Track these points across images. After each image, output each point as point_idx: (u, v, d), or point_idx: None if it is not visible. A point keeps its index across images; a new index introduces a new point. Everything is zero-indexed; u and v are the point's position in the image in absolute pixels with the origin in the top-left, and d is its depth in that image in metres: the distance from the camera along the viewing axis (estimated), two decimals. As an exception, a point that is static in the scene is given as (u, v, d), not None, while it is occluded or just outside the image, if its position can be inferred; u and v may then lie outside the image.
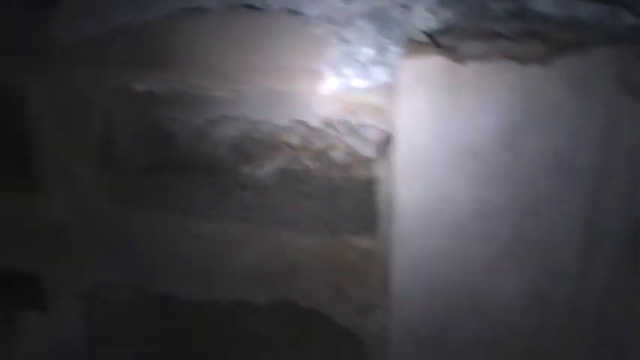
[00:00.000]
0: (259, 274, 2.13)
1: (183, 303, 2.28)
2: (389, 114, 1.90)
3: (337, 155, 2.11)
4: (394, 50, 1.89)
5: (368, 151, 2.08)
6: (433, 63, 1.82)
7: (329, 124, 1.99)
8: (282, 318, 2.18)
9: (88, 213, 2.24)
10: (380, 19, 1.89)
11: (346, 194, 2.10)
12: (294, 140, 2.13)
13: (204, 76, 2.00)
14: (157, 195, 2.21)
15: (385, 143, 1.95)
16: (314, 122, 2.03)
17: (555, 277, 1.93)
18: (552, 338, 2.01)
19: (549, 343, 2.02)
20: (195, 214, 2.16)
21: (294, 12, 1.98)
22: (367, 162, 2.06)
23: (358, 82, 1.92)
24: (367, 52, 1.91)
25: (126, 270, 2.28)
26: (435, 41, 1.86)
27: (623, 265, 1.92)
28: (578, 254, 1.91)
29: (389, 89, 1.89)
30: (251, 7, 2.04)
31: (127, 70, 2.06)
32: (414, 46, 1.86)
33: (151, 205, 2.20)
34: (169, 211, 2.19)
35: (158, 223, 2.20)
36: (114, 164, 2.19)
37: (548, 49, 1.80)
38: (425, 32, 1.90)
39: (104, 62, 2.07)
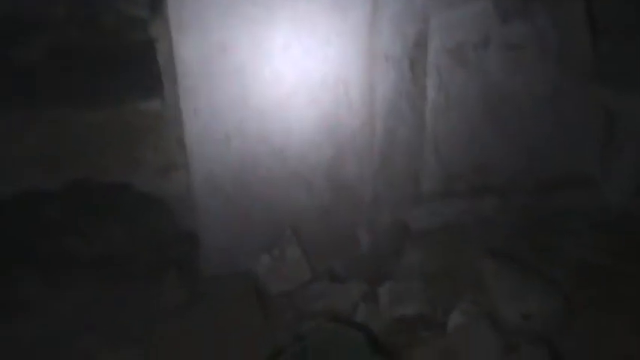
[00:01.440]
0: (45, 159, 1.99)
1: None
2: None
3: (108, 23, 1.99)
4: None
5: (140, 12, 1.97)
6: None
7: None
8: (80, 200, 2.07)
9: None
10: None
11: (126, 61, 1.99)
12: (59, 13, 1.98)
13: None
14: None
15: (155, 5, 1.86)
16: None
17: (345, 108, 1.95)
18: (350, 166, 2.07)
19: (348, 172, 2.08)
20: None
21: None
22: (141, 23, 1.96)
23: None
24: None
25: None
26: None
27: (405, 84, 1.96)
28: (362, 87, 1.97)
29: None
30: None
31: None
32: None
33: None
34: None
35: None
36: None
37: None
38: None
39: None
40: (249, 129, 1.97)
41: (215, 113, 1.95)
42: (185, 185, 2.04)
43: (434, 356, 1.71)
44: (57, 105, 2.01)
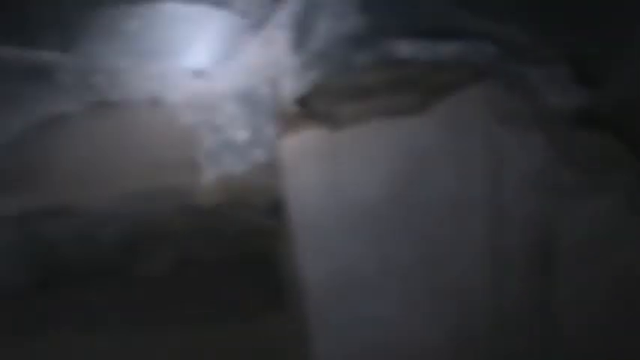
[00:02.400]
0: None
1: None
2: (276, 191, 1.82)
3: (231, 234, 2.02)
4: (269, 128, 1.80)
5: (262, 224, 2.00)
6: (310, 134, 1.75)
7: (218, 205, 1.89)
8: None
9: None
10: (249, 99, 1.80)
11: (247, 271, 2.01)
12: (183, 228, 2.02)
13: (75, 187, 1.86)
14: (46, 314, 2.06)
15: (278, 217, 1.88)
16: (200, 208, 1.90)
17: (472, 316, 1.91)
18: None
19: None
20: (89, 328, 2.01)
21: (157, 102, 1.87)
22: (263, 235, 1.98)
23: (238, 167, 1.81)
24: (242, 135, 1.81)
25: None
26: (307, 109, 1.79)
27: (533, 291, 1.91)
28: (487, 293, 1.89)
29: (271, 168, 1.80)
30: (110, 103, 1.91)
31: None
32: (288, 119, 1.78)
33: (41, 328, 2.04)
34: (60, 329, 2.04)
35: (48, 345, 2.03)
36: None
37: (420, 97, 1.78)
38: (295, 100, 1.82)
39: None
40: (376, 347, 1.93)
41: (339, 334, 1.91)
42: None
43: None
44: (180, 322, 2.01)
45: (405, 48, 1.91)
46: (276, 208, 1.92)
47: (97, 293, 2.08)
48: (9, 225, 1.96)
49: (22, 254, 2.08)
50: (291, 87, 1.84)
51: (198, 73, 1.85)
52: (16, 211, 1.87)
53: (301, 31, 1.84)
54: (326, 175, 1.79)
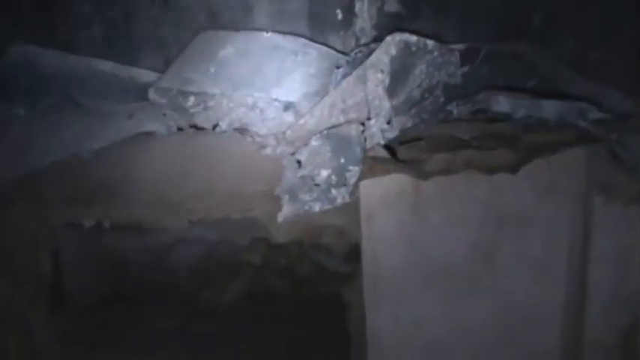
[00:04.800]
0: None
1: None
2: (353, 235, 1.76)
3: (303, 271, 1.99)
4: (353, 170, 1.75)
5: (335, 266, 1.96)
6: (395, 181, 1.70)
7: (292, 241, 1.85)
8: None
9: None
10: (335, 138, 1.76)
11: (315, 314, 1.97)
12: (256, 259, 2.00)
13: (156, 207, 1.85)
14: (113, 332, 2.05)
15: (352, 261, 1.82)
16: (275, 241, 1.90)
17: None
18: None
19: None
20: (154, 352, 1.99)
21: (243, 131, 1.85)
22: (335, 277, 1.93)
23: (317, 206, 1.76)
24: (324, 173, 1.76)
25: None
26: (395, 155, 1.73)
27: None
28: (572, 318, 1.78)
29: (351, 210, 1.74)
30: (199, 128, 1.91)
31: (75, 203, 1.90)
32: (374, 163, 1.72)
33: (107, 344, 2.03)
34: (126, 347, 2.02)
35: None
36: (65, 303, 2.03)
37: (515, 155, 1.70)
38: (384, 145, 1.76)
39: (50, 196, 1.90)
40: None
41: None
42: None
43: None
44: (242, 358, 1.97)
45: (504, 102, 1.82)
46: (351, 252, 1.86)
47: (162, 316, 2.07)
48: (85, 236, 1.97)
49: (96, 269, 2.10)
50: (380, 130, 1.78)
51: (288, 106, 1.82)
52: (93, 222, 1.87)
53: (398, 75, 1.78)
54: (407, 225, 1.73)
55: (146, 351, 2.02)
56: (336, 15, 1.91)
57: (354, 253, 1.81)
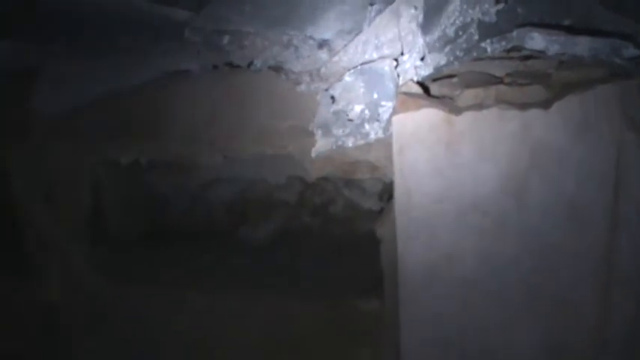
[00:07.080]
0: (262, 347, 2.00)
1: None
2: (385, 170, 1.79)
3: (336, 210, 2.01)
4: (386, 105, 1.76)
5: (368, 204, 1.98)
6: (427, 116, 1.71)
7: (325, 179, 1.88)
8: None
9: (81, 292, 2.12)
10: (369, 73, 1.77)
11: (349, 251, 1.99)
12: (291, 197, 2.03)
13: (192, 144, 1.89)
14: (152, 267, 2.10)
15: (384, 198, 1.85)
16: (309, 179, 1.90)
17: (573, 331, 1.83)
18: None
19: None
20: (193, 285, 2.05)
21: (277, 69, 1.87)
22: (368, 215, 1.96)
23: (350, 141, 1.79)
24: (357, 109, 1.78)
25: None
26: (427, 91, 1.74)
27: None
28: (596, 307, 1.78)
29: (383, 146, 1.76)
30: (234, 66, 1.93)
31: (113, 140, 1.94)
32: (407, 99, 1.73)
33: (146, 279, 2.09)
34: (164, 283, 2.08)
35: (153, 297, 2.07)
36: (105, 238, 2.08)
37: (548, 91, 1.70)
38: (417, 81, 1.77)
39: (89, 133, 1.95)
40: (469, 341, 1.86)
41: (435, 321, 1.86)
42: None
43: None
44: (277, 292, 2.01)
45: (539, 39, 1.81)
46: (384, 189, 1.88)
47: (200, 252, 2.11)
48: (123, 174, 2.01)
49: (136, 206, 2.14)
50: (414, 67, 1.79)
51: (323, 44, 1.83)
52: (131, 160, 1.91)
53: (431, 12, 1.79)
54: (439, 160, 1.74)
55: (181, 285, 2.06)
56: (370, -49, 1.90)
57: (386, 190, 1.83)
